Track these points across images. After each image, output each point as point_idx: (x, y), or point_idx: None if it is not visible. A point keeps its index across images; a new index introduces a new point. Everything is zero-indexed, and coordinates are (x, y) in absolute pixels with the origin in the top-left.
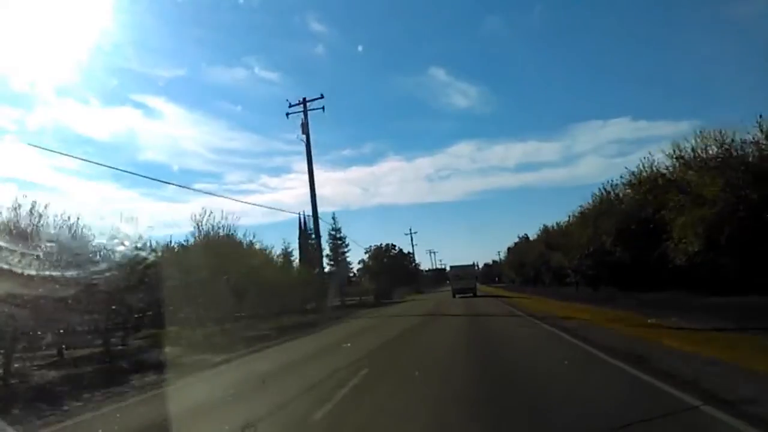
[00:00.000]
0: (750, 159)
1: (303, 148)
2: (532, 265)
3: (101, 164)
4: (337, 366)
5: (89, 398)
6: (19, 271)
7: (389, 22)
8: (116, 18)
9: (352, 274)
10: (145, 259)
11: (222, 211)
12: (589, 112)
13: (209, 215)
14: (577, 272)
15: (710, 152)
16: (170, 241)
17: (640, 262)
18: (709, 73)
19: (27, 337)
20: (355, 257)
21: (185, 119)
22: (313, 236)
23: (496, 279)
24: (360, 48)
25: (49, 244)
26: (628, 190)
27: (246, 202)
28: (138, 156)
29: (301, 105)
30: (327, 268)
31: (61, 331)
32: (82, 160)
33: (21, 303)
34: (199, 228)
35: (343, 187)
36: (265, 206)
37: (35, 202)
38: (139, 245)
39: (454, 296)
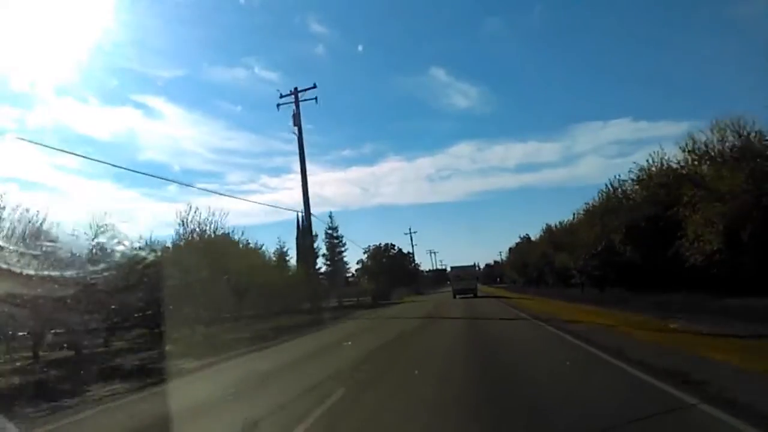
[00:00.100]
0: None
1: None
2: (534, 265)
3: (102, 161)
4: (308, 385)
5: (16, 414)
6: None
7: (389, 22)
8: (116, 18)
9: (350, 275)
10: (144, 258)
11: (209, 208)
12: (590, 113)
13: (195, 212)
14: (582, 273)
15: (726, 144)
16: (149, 241)
17: (651, 262)
18: (709, 73)
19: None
20: (354, 257)
21: (185, 119)
22: (315, 236)
23: (497, 280)
24: (360, 48)
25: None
26: (636, 186)
27: (244, 199)
28: (138, 156)
29: (293, 96)
30: (323, 268)
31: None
32: (83, 157)
33: None
34: (184, 225)
35: (343, 187)
36: (261, 203)
37: None
38: (125, 245)
39: (454, 297)
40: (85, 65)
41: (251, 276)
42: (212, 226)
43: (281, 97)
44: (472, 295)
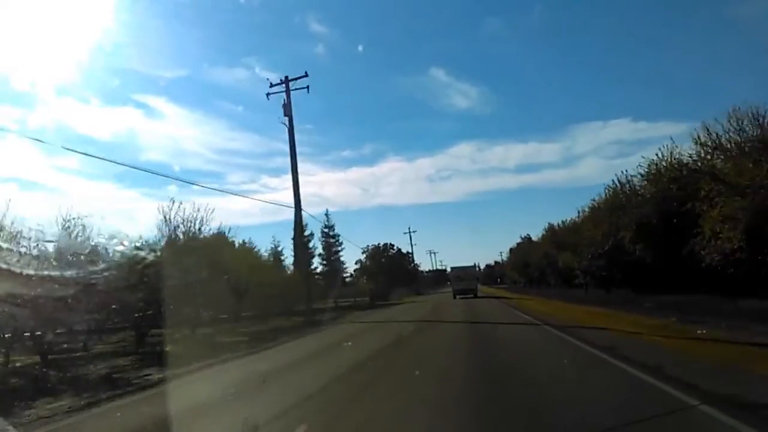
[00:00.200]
0: None
1: (303, 148)
2: (536, 265)
3: (104, 159)
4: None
5: None
6: None
7: (389, 22)
8: (117, 18)
9: (348, 275)
10: (146, 258)
11: (193, 203)
12: (590, 113)
13: (179, 207)
14: (586, 273)
15: (744, 135)
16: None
17: (661, 261)
18: (709, 73)
19: None
20: (353, 257)
21: (186, 119)
22: (309, 234)
23: (498, 280)
24: (360, 48)
25: None
26: (645, 182)
27: (242, 195)
28: (139, 156)
29: (284, 85)
30: (319, 268)
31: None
32: (84, 155)
33: None
34: (167, 221)
35: (343, 187)
36: (256, 199)
37: None
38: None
39: (454, 297)
40: (86, 65)
41: (239, 277)
42: (197, 223)
43: (271, 86)
44: (472, 295)
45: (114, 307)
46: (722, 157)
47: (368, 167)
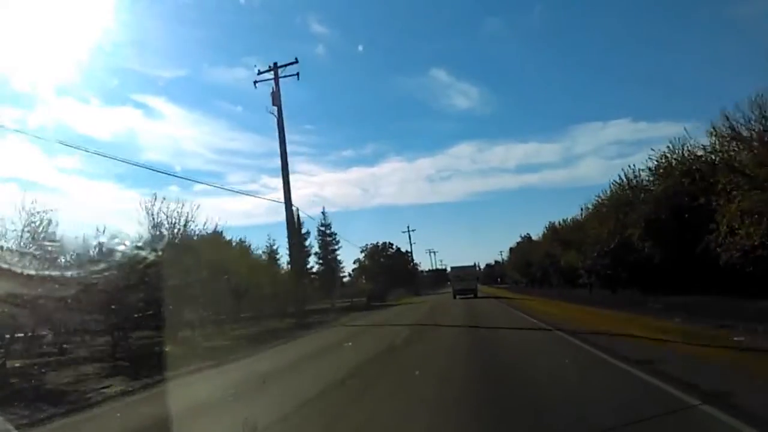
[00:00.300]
0: None
1: (303, 148)
2: (538, 264)
3: (105, 155)
4: None
5: None
6: None
7: (389, 22)
8: (117, 18)
9: (346, 275)
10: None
11: (177, 199)
12: (590, 113)
13: (162, 202)
14: (591, 272)
15: (765, 123)
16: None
17: (672, 260)
18: (709, 73)
19: None
20: (351, 256)
21: (186, 119)
22: (307, 233)
23: (498, 280)
24: (360, 48)
25: None
26: (654, 177)
27: (239, 192)
28: (139, 156)
29: (272, 72)
30: (316, 267)
31: None
32: (86, 151)
33: None
34: (151, 217)
35: (343, 188)
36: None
37: None
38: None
39: (454, 297)
40: (86, 65)
41: (229, 276)
42: (182, 219)
43: (259, 73)
44: (472, 295)
45: (88, 308)
46: (741, 147)
47: (369, 167)
